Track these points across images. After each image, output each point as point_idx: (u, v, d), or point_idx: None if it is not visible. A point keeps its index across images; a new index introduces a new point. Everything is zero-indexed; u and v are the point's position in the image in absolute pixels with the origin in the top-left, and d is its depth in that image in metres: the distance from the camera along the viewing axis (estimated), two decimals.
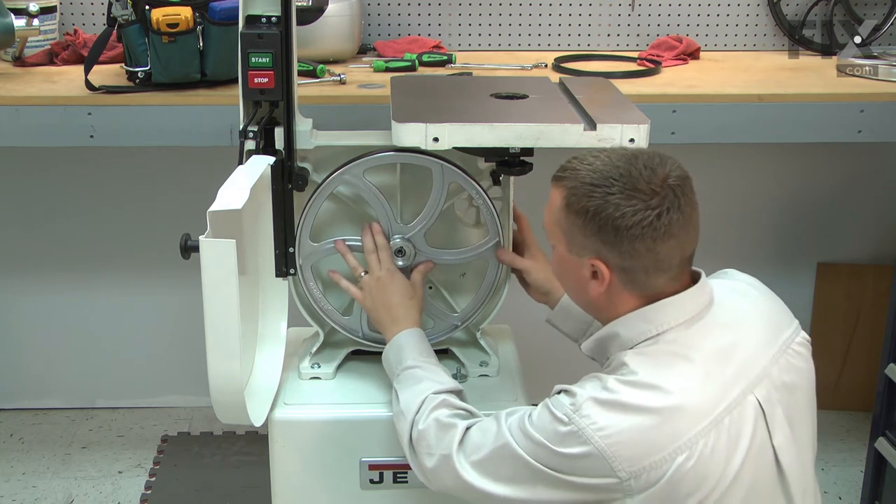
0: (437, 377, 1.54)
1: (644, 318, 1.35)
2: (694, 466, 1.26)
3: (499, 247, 1.73)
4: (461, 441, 1.40)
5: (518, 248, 1.78)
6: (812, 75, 2.40)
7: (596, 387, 1.30)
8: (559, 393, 1.33)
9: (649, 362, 1.31)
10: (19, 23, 2.19)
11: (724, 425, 1.28)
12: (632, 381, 1.29)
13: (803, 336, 1.43)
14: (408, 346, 1.59)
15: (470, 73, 2.36)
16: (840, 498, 2.63)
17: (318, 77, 2.25)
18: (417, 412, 1.48)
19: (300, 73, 2.07)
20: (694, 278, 1.39)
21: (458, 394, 1.53)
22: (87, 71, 2.12)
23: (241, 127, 1.59)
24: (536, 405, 1.38)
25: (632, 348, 1.35)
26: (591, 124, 1.55)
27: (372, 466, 1.70)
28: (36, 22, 2.23)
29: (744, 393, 1.32)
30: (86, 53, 2.23)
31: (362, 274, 1.69)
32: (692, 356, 1.32)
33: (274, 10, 1.60)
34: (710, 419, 1.28)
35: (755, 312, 1.42)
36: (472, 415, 1.48)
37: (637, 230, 1.29)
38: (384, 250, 1.69)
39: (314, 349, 1.80)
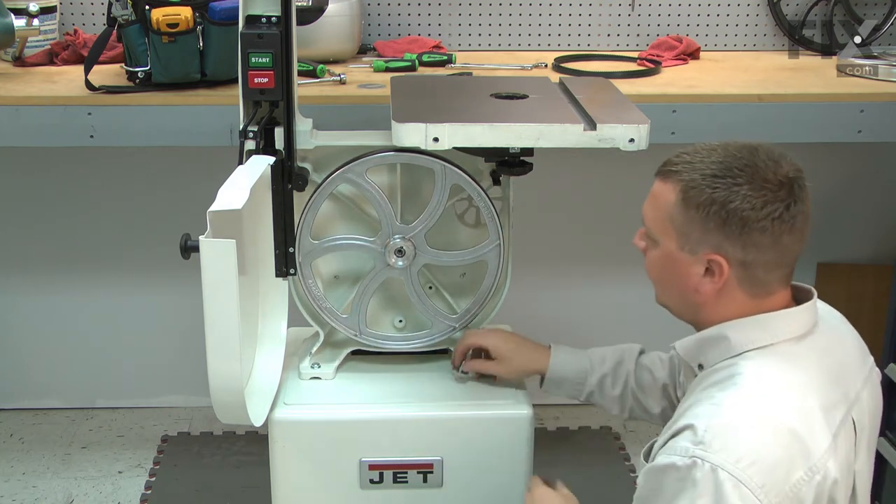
0: None
1: (760, 326, 1.30)
2: (831, 487, 1.22)
3: (499, 249, 1.73)
4: None
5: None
6: (812, 75, 2.40)
7: (714, 411, 1.22)
8: (669, 441, 1.24)
9: (766, 373, 1.26)
10: (19, 23, 2.19)
11: (839, 444, 1.26)
12: (751, 395, 1.23)
13: (877, 369, 1.42)
14: None
15: (470, 73, 2.36)
16: None
17: (318, 77, 2.25)
18: None
19: (300, 73, 2.07)
20: (798, 293, 1.36)
21: None
22: (87, 71, 2.12)
23: (241, 127, 1.59)
24: None
25: (738, 355, 1.29)
26: (591, 124, 1.55)
27: (372, 466, 1.70)
28: (36, 22, 2.23)
29: (848, 413, 1.30)
30: (86, 53, 2.23)
31: None
32: (807, 371, 1.28)
33: (274, 10, 1.60)
34: (832, 435, 1.24)
35: (849, 336, 1.41)
36: None
37: (766, 222, 1.25)
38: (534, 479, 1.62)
39: (314, 349, 1.80)
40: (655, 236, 1.35)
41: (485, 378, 1.78)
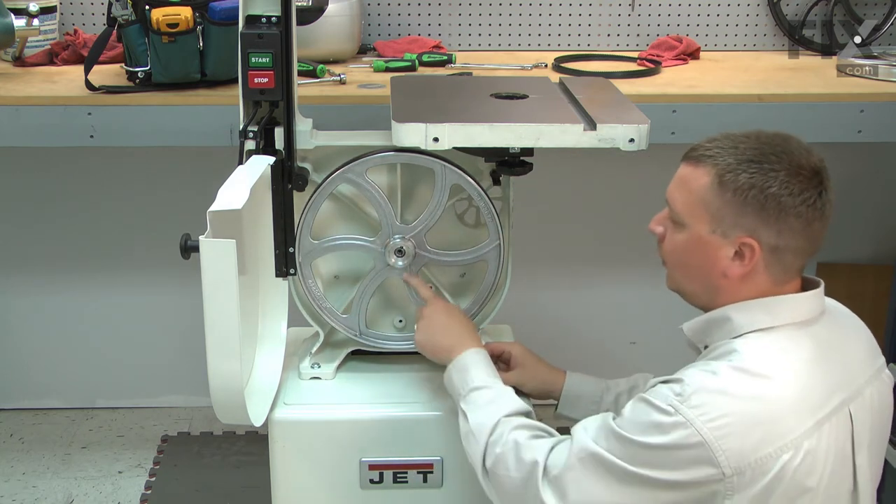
0: (508, 398, 1.50)
1: (765, 309, 1.33)
2: (797, 467, 1.24)
3: (499, 249, 1.73)
4: (545, 464, 1.35)
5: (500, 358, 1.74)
6: (812, 75, 2.40)
7: (705, 375, 1.27)
8: (659, 384, 1.30)
9: (762, 352, 1.29)
10: (19, 23, 2.19)
11: (824, 430, 1.27)
12: (743, 368, 1.26)
13: (889, 372, 1.43)
14: (474, 366, 1.55)
15: (470, 73, 2.36)
16: None
17: (318, 77, 2.25)
18: (491, 435, 1.44)
19: (300, 73, 2.07)
20: (806, 284, 1.38)
21: (528, 415, 1.49)
22: (87, 71, 2.12)
23: (241, 127, 1.59)
24: (609, 412, 1.34)
25: (740, 336, 1.32)
26: (591, 124, 1.55)
27: (372, 466, 1.70)
28: (36, 22, 2.23)
29: (843, 403, 1.31)
30: (86, 53, 2.23)
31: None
32: (802, 355, 1.30)
33: (274, 10, 1.60)
34: (815, 421, 1.26)
35: (858, 332, 1.43)
36: (548, 433, 1.43)
37: (802, 208, 1.29)
38: (421, 286, 1.70)
39: (314, 349, 1.80)
40: (683, 220, 1.36)
41: None
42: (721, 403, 1.23)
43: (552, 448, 1.37)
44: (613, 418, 1.32)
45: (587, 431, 1.33)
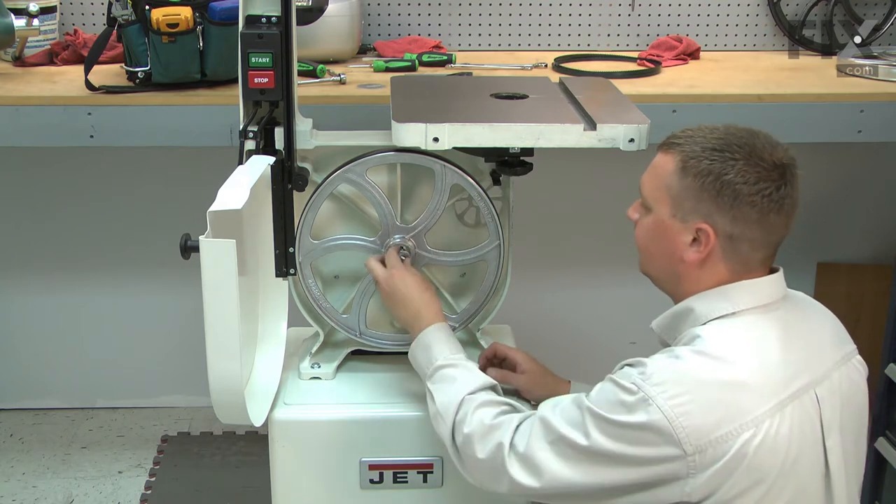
0: (471, 375, 1.52)
1: (723, 296, 1.36)
2: (758, 447, 1.26)
3: (499, 249, 1.73)
4: (511, 441, 1.38)
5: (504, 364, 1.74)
6: (812, 75, 2.40)
7: (668, 357, 1.31)
8: (625, 366, 1.33)
9: (723, 336, 1.32)
10: (19, 23, 2.19)
11: (787, 412, 1.30)
12: (704, 352, 1.30)
13: (861, 359, 1.45)
14: (435, 344, 1.57)
15: (470, 73, 2.36)
16: None
17: (318, 77, 2.25)
18: (457, 414, 1.46)
19: (300, 73, 2.07)
20: (772, 271, 1.42)
21: (493, 388, 1.51)
22: (87, 71, 2.12)
23: (241, 127, 1.59)
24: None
25: (704, 324, 1.35)
26: (591, 124, 1.55)
27: (372, 466, 1.70)
28: (36, 22, 2.23)
29: (808, 386, 1.34)
30: (86, 53, 2.23)
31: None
32: (764, 338, 1.33)
33: (274, 10, 1.60)
34: (777, 401, 1.29)
35: (824, 319, 1.46)
36: (514, 409, 1.46)
37: (757, 198, 1.31)
38: (388, 252, 1.69)
39: (314, 349, 1.80)
40: (650, 204, 1.41)
41: None
42: (682, 383, 1.27)
43: (518, 426, 1.39)
44: (587, 395, 1.34)
45: (555, 409, 1.36)
